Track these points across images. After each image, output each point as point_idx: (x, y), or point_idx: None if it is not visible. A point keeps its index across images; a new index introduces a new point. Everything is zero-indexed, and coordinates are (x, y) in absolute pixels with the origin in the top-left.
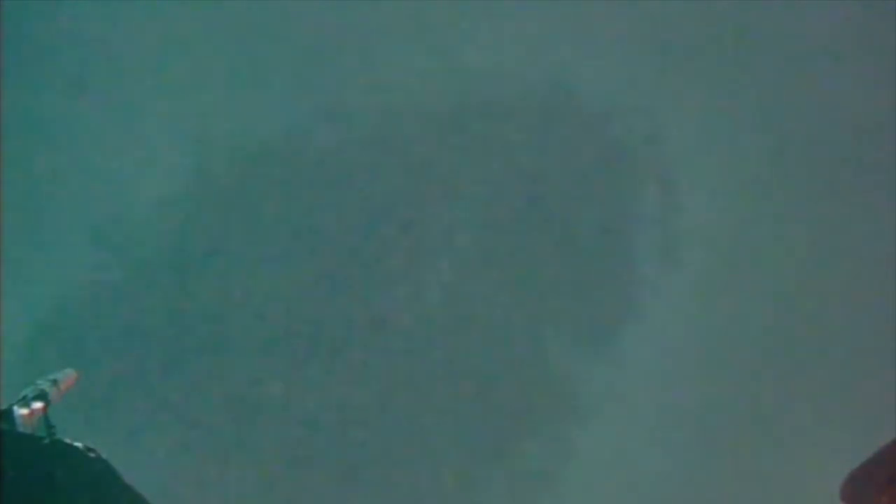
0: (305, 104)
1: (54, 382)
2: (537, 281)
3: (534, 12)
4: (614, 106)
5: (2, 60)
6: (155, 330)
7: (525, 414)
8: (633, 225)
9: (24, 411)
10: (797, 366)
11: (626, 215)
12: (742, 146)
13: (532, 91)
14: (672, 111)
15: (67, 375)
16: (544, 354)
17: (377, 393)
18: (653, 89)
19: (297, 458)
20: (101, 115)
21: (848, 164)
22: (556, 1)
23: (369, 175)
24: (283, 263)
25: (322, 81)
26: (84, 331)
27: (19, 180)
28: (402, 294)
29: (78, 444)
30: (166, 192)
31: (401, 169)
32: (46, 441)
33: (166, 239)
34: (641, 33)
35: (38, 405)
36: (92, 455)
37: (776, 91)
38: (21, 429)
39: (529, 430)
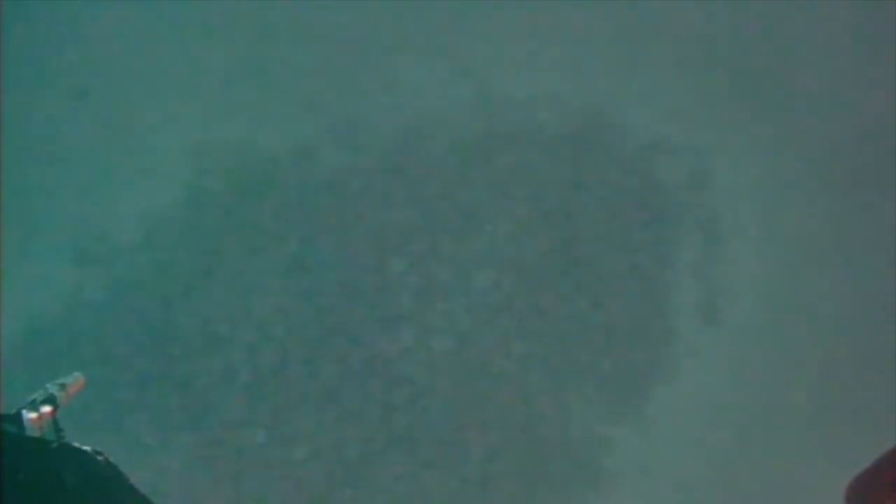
0: (314, 120)
1: (62, 386)
2: (560, 331)
3: (571, 37)
4: (655, 141)
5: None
6: (130, 360)
7: (538, 480)
8: (670, 273)
9: (33, 415)
10: (845, 438)
11: (662, 262)
12: (792, 191)
13: (565, 121)
14: (717, 150)
15: (76, 379)
16: (564, 414)
17: (371, 447)
18: (698, 125)
19: None
20: (91, 125)
21: None
22: (595, 27)
23: (380, 203)
24: (278, 295)
25: (334, 97)
26: (53, 357)
27: None
28: (407, 338)
29: (86, 448)
30: (156, 208)
31: (415, 198)
32: (55, 444)
33: (153, 259)
34: (686, 65)
35: (46, 409)
36: (100, 458)
37: (832, 134)
38: (30, 432)
39: (542, 499)
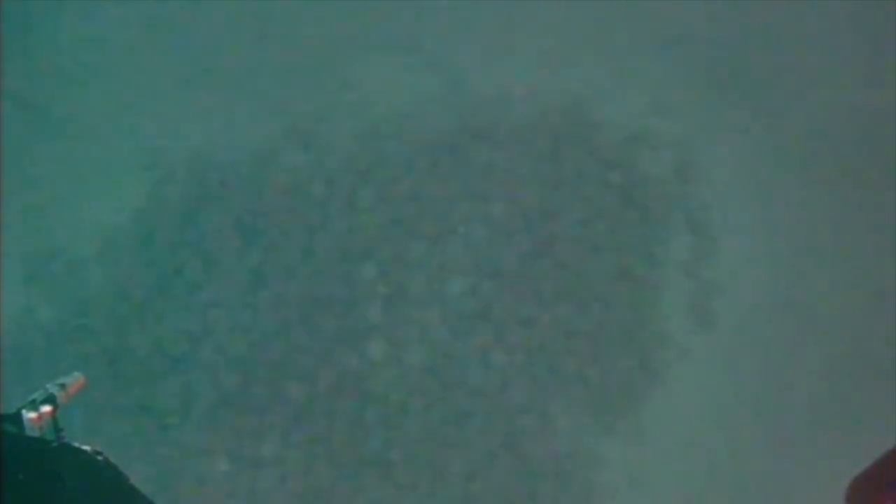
0: (274, 122)
1: (62, 386)
2: (543, 340)
3: (546, 27)
4: (637, 134)
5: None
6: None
7: (524, 501)
8: (659, 273)
9: (33, 415)
10: (847, 444)
11: (651, 262)
12: (785, 182)
13: (542, 116)
14: (703, 141)
15: (76, 379)
16: (549, 428)
17: (342, 471)
18: (681, 115)
19: None
20: (41, 136)
21: None
22: (571, 16)
23: (345, 207)
24: (239, 311)
25: (296, 97)
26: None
27: None
28: (377, 352)
29: (86, 448)
30: (111, 222)
31: (383, 201)
32: (55, 444)
33: (107, 276)
34: (667, 53)
35: (46, 409)
36: (100, 458)
37: (823, 122)
38: (30, 432)
39: None
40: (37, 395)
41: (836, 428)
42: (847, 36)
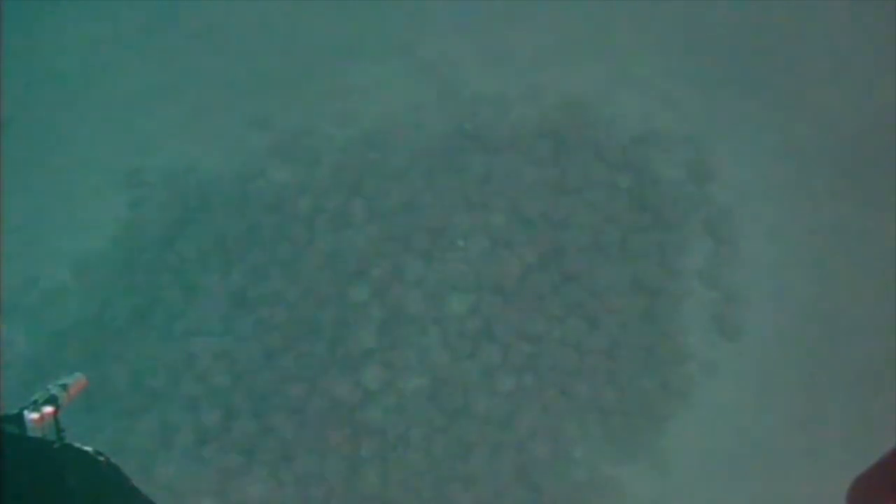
0: (258, 136)
1: (64, 387)
2: (553, 359)
3: (545, 24)
4: (648, 133)
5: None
6: None
7: None
8: (677, 283)
9: (35, 415)
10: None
11: (666, 271)
12: (809, 181)
13: (544, 117)
14: (719, 138)
15: (77, 380)
16: (563, 457)
17: None
18: (694, 112)
19: None
20: (13, 159)
21: None
22: (572, 12)
23: (335, 223)
24: (221, 338)
25: (280, 108)
26: None
27: None
28: (372, 379)
29: (87, 448)
30: (87, 248)
31: (375, 216)
32: (57, 445)
33: (82, 306)
34: (676, 46)
35: (48, 409)
36: (101, 459)
37: (848, 116)
38: (32, 433)
39: None
40: (38, 396)
41: (880, 447)
42: (861, 27)
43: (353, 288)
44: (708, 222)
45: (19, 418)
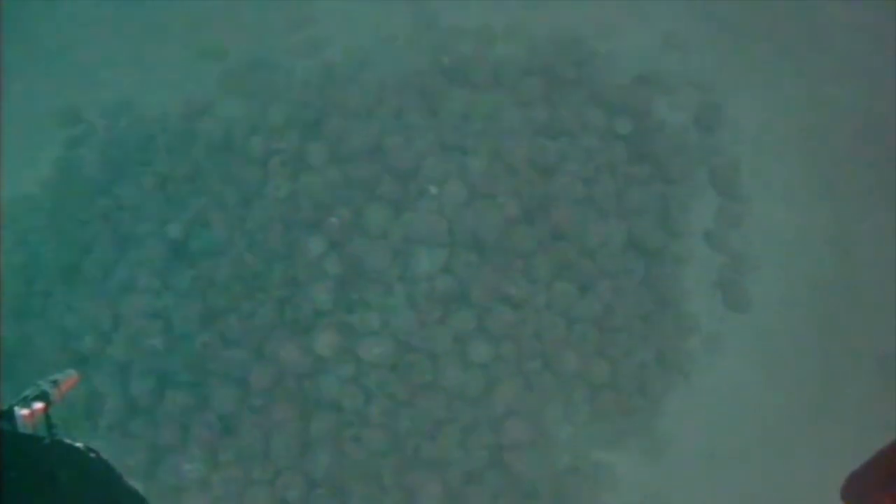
0: (209, 68)
1: (55, 383)
2: (537, 327)
3: None
4: (649, 74)
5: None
6: None
7: None
8: (678, 243)
9: (25, 411)
10: None
11: (667, 230)
12: (827, 131)
13: (534, 53)
14: (729, 82)
15: (68, 376)
16: (547, 439)
17: (284, 496)
18: (702, 52)
19: None
20: None
21: None
22: None
23: (290, 166)
24: (156, 295)
25: (235, 38)
26: None
27: None
28: (327, 344)
29: (79, 445)
30: (17, 194)
31: (336, 158)
32: (47, 441)
33: (7, 260)
34: None
35: (39, 405)
36: (92, 455)
37: (872, 62)
38: (22, 429)
39: None
40: (29, 392)
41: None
42: None
43: (308, 240)
44: (715, 176)
45: (9, 414)
